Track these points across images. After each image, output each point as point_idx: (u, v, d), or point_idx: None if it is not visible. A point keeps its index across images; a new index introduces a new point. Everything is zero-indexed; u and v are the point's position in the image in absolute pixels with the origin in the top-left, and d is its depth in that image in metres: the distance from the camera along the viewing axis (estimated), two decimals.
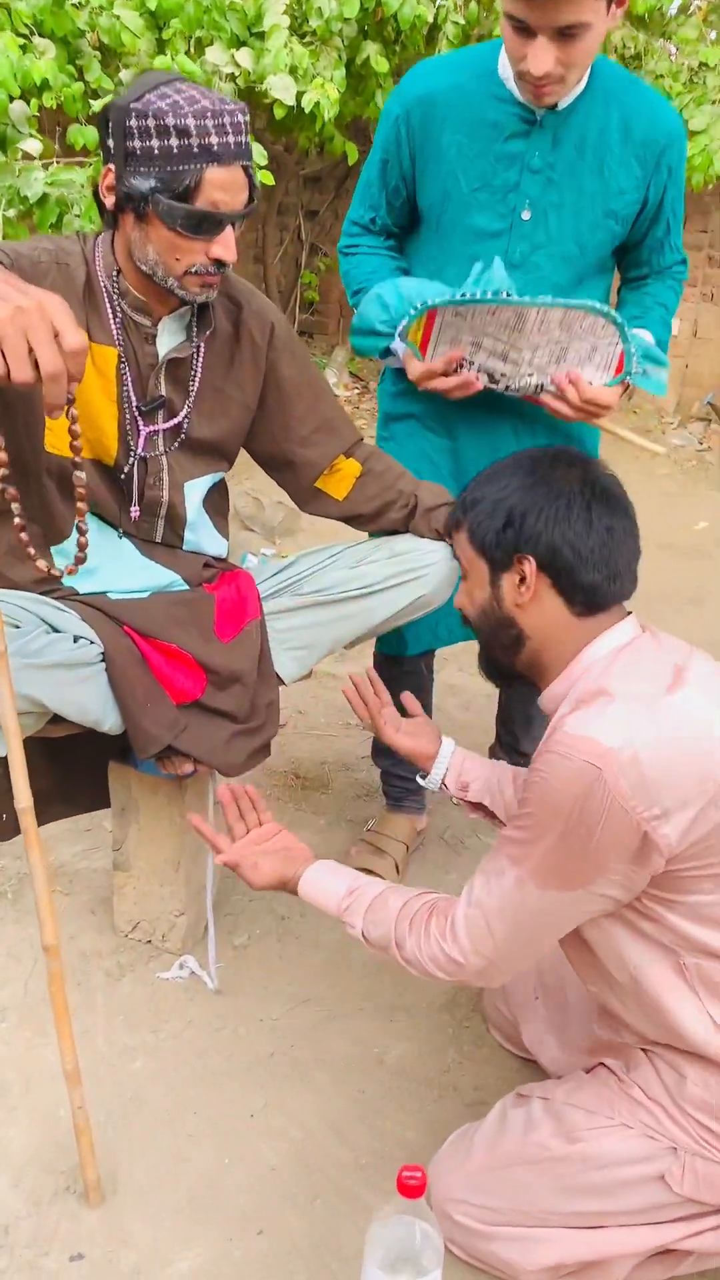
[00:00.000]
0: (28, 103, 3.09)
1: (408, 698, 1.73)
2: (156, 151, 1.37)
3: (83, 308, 1.52)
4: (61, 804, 1.86)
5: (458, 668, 3.05)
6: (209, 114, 1.36)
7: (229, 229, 1.44)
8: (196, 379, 1.63)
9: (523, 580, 1.31)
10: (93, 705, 1.54)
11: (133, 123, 1.37)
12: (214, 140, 1.37)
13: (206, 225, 1.42)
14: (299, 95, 3.59)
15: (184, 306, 1.56)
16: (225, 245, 1.45)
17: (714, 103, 4.73)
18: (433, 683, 2.15)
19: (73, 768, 1.83)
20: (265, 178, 3.45)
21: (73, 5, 3.27)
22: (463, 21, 4.08)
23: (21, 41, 3.06)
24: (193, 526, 1.72)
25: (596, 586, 1.29)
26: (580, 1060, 1.48)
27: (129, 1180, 1.49)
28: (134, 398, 1.58)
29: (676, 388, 6.22)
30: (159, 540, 1.71)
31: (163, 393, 1.61)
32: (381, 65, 4.07)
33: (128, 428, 1.60)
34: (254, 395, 1.70)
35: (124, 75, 3.47)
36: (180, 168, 1.37)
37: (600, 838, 1.15)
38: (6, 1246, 1.39)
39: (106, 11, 3.36)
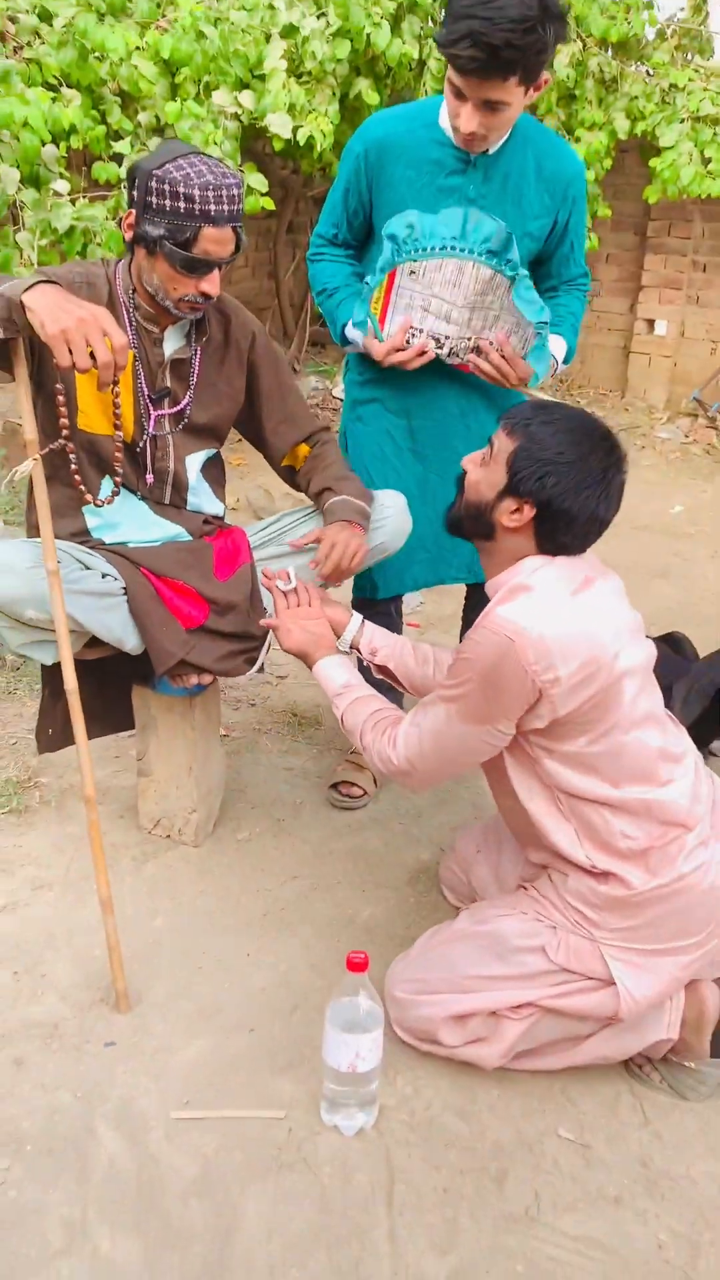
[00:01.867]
0: (57, 145, 3.56)
1: (297, 581, 2.08)
2: (168, 209, 1.81)
3: None
4: (96, 723, 2.28)
5: (441, 631, 3.46)
6: (210, 187, 1.79)
7: (216, 271, 1.88)
8: (195, 375, 2.06)
9: (517, 511, 1.63)
10: (117, 627, 1.97)
11: (153, 184, 1.81)
12: (211, 208, 1.80)
13: (199, 268, 1.86)
14: (295, 129, 4.04)
15: (183, 319, 2.00)
16: (211, 283, 1.89)
17: (682, 120, 5.13)
18: (401, 627, 2.56)
19: (104, 693, 2.25)
20: (266, 203, 3.90)
21: (95, 58, 3.73)
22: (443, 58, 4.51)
23: (52, 95, 3.52)
24: (194, 490, 2.15)
25: (565, 546, 1.65)
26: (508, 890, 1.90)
27: (150, 997, 1.91)
28: (145, 388, 2.02)
29: (666, 385, 6.60)
30: (167, 502, 2.14)
31: (168, 385, 2.04)
32: (373, 98, 4.52)
33: (141, 412, 2.03)
34: (241, 389, 2.14)
35: (141, 117, 3.93)
36: (184, 224, 1.81)
37: (507, 690, 1.56)
38: (57, 1036, 1.81)
39: (126, 62, 3.82)
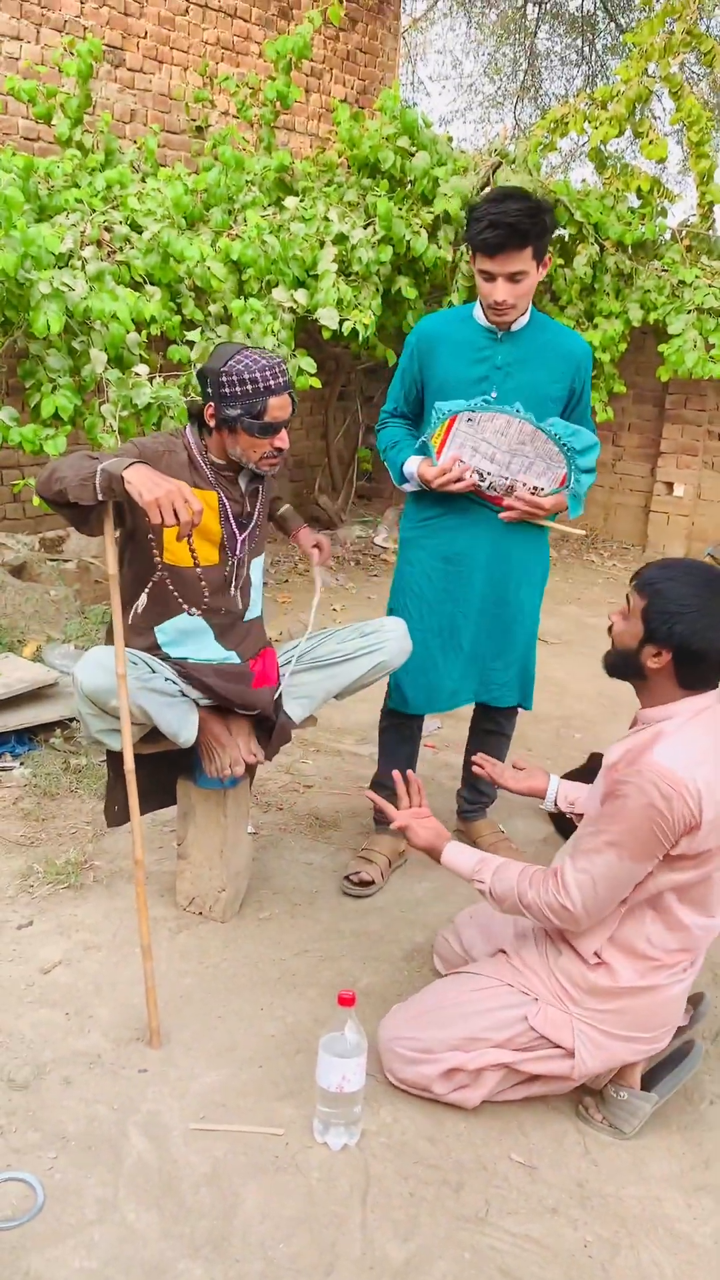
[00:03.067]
0: (139, 332, 4.23)
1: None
2: (238, 394, 2.35)
3: (190, 473, 2.48)
4: (149, 800, 2.72)
5: (455, 751, 3.86)
6: (267, 368, 2.34)
7: (284, 431, 2.41)
8: (260, 499, 2.58)
9: (657, 655, 1.90)
10: (174, 722, 2.43)
11: (223, 379, 2.35)
12: (272, 382, 2.35)
13: (271, 430, 2.39)
14: (341, 322, 4.71)
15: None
16: (282, 440, 2.42)
17: (689, 311, 5.77)
18: (420, 739, 3.02)
19: (157, 777, 2.70)
20: (314, 383, 4.53)
21: (175, 261, 4.45)
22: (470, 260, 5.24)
23: (137, 293, 4.21)
24: (254, 587, 2.64)
25: (703, 679, 1.92)
26: (490, 950, 2.26)
27: (177, 1037, 2.27)
28: (233, 519, 2.52)
29: (684, 541, 7.10)
30: (239, 607, 2.60)
31: (251, 508, 2.56)
32: (411, 293, 5.22)
33: (226, 540, 2.52)
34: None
35: (211, 309, 4.63)
36: (255, 401, 2.35)
37: (669, 830, 1.83)
38: (99, 1063, 2.18)
39: (201, 264, 4.54)
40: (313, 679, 2.63)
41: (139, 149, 5.05)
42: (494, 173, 5.45)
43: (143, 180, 4.84)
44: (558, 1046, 2.03)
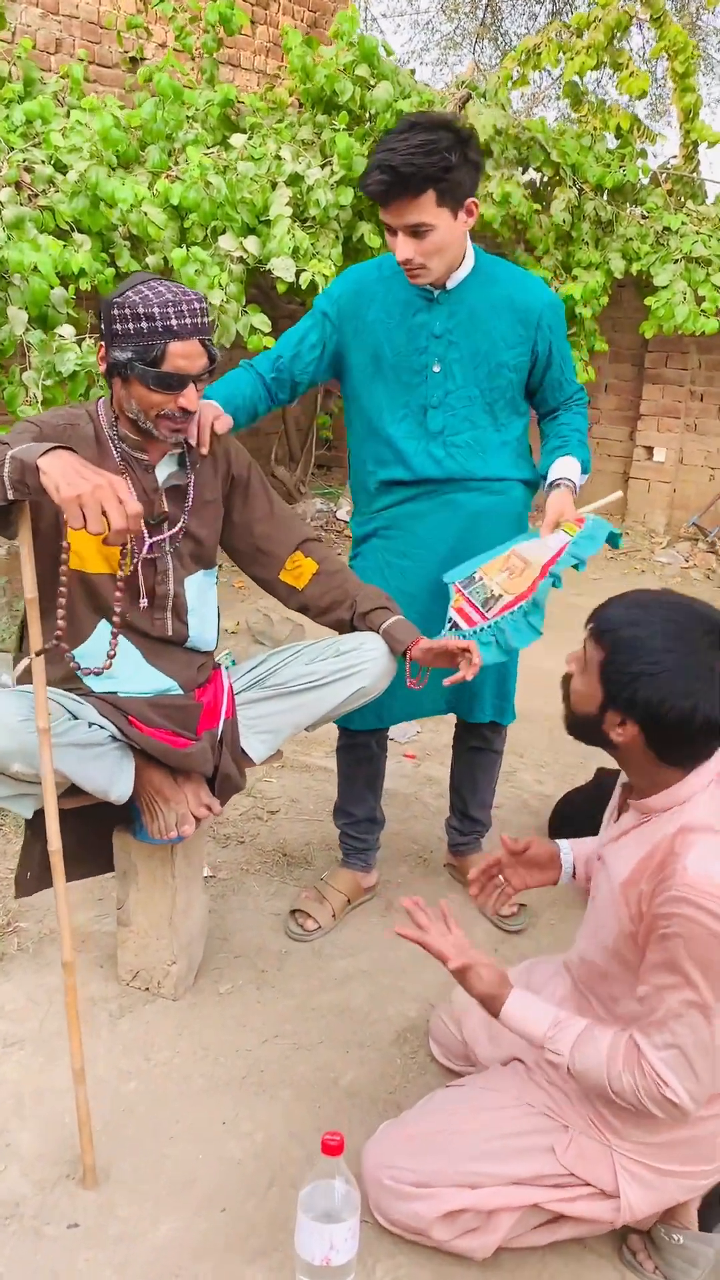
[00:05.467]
0: (67, 287, 3.68)
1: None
2: (132, 332, 1.84)
3: (96, 453, 1.97)
4: (76, 866, 2.24)
5: (439, 762, 3.41)
6: (169, 304, 1.83)
7: (191, 386, 1.89)
8: (191, 496, 2.08)
9: (621, 725, 1.47)
10: (102, 778, 1.94)
11: (115, 312, 1.85)
12: (174, 323, 1.83)
13: (173, 383, 1.87)
14: (298, 273, 4.17)
15: (176, 447, 2.03)
16: (189, 398, 1.90)
17: (675, 261, 5.30)
18: (384, 758, 2.55)
19: (85, 836, 2.21)
20: (268, 342, 4.00)
21: (106, 205, 3.89)
22: None
23: (63, 241, 3.65)
24: (194, 612, 2.12)
25: (687, 758, 1.48)
26: (500, 1055, 1.81)
27: (118, 1172, 1.81)
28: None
29: (666, 510, 6.67)
30: (170, 633, 2.10)
31: (165, 509, 2.05)
32: (375, 240, 4.69)
33: (135, 540, 2.02)
34: (222, 500, 2.15)
35: (149, 260, 4.08)
36: (150, 343, 1.84)
37: None
38: (16, 1217, 1.71)
39: (136, 209, 3.98)
40: (277, 709, 2.15)
41: (64, 79, 4.46)
42: (463, 106, 4.91)
43: (67, 115, 4.25)
44: (593, 1186, 1.60)
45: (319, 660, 2.17)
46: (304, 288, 4.26)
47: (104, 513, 1.54)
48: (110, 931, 2.44)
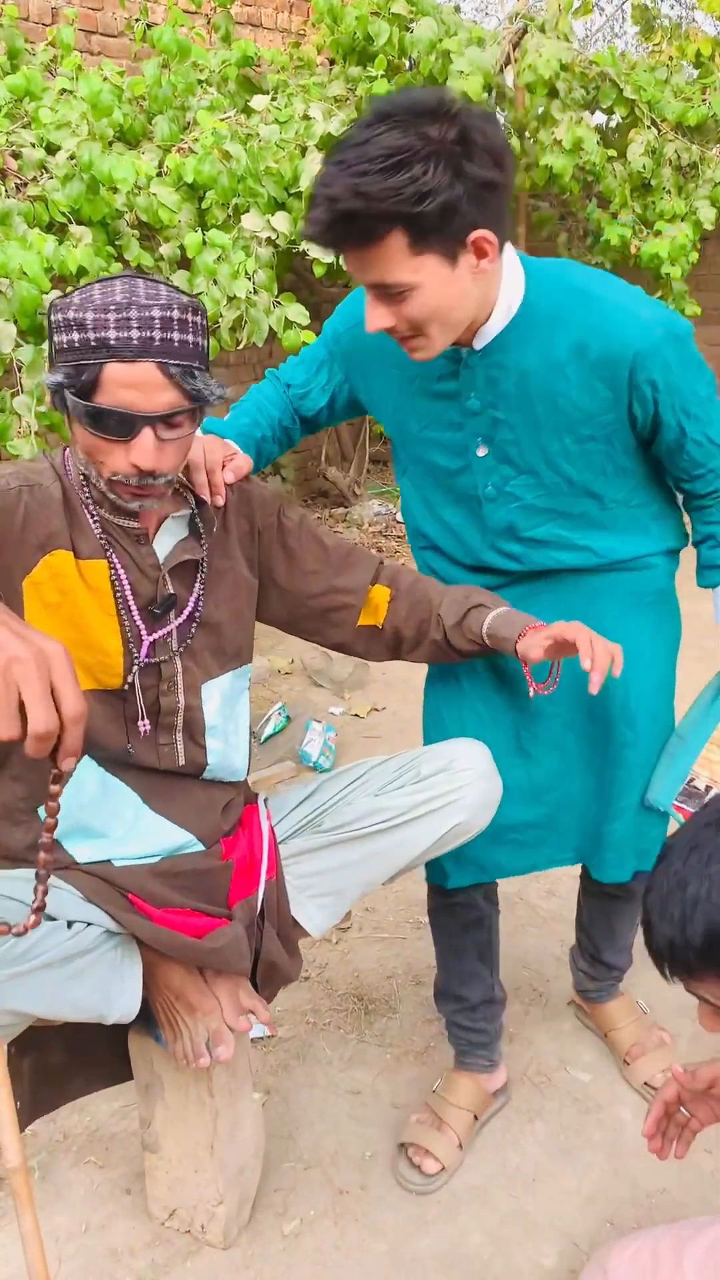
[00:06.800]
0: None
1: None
2: (64, 345, 1.26)
3: (65, 523, 1.38)
4: (81, 1081, 1.66)
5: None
6: (113, 308, 1.23)
7: (147, 433, 1.27)
8: (205, 569, 1.47)
9: None
10: (91, 1000, 1.35)
11: (52, 318, 1.28)
12: (111, 334, 1.22)
13: (116, 426, 1.27)
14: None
15: (185, 507, 1.44)
16: (142, 451, 1.27)
17: None
18: (497, 915, 1.87)
19: (91, 1039, 1.63)
20: (307, 336, 3.38)
21: (107, 189, 3.29)
22: None
23: (58, 236, 3.07)
24: (213, 732, 1.51)
25: None
26: None
27: None
28: (134, 606, 1.42)
29: None
30: (181, 762, 1.51)
31: (170, 591, 1.45)
32: None
33: (129, 638, 1.43)
34: (249, 564, 1.55)
35: (164, 250, 3.47)
36: (81, 362, 1.25)
37: None
38: None
39: (144, 191, 3.38)
40: (339, 861, 1.53)
41: (52, 45, 3.86)
42: (520, 41, 4.22)
43: (61, 92, 3.66)
44: None
45: (393, 789, 1.55)
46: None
47: (21, 706, 0.92)
48: (136, 1132, 1.87)
